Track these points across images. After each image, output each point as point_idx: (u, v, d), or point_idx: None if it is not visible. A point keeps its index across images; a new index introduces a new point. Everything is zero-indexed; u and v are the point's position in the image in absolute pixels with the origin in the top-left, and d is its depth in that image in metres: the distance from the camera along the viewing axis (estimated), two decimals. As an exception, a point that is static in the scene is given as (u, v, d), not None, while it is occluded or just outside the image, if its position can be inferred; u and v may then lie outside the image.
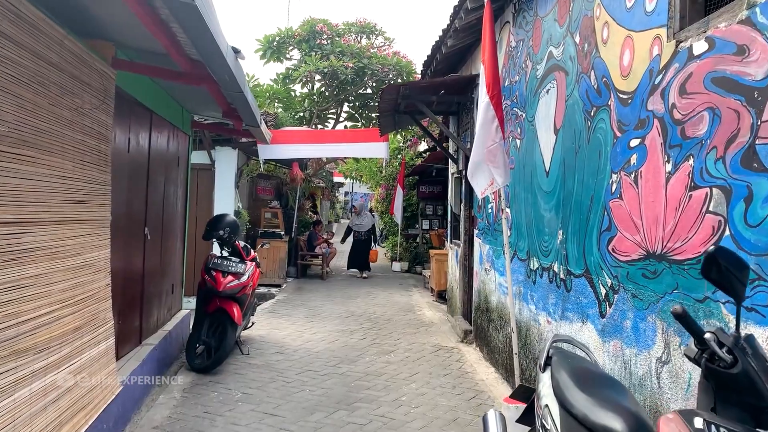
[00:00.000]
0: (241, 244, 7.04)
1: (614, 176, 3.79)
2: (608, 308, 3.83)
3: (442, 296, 11.75)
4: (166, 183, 7.01)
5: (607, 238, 3.86)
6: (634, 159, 3.53)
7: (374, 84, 15.25)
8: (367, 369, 6.63)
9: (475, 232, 7.97)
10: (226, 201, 10.95)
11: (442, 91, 8.01)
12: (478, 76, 7.88)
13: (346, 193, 50.96)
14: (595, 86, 4.14)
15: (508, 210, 6.10)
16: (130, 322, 5.76)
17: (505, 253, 5.09)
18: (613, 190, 3.79)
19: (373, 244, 16.28)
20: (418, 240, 17.56)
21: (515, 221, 6.05)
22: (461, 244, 9.06)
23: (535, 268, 5.41)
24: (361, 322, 9.34)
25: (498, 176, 4.93)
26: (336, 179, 35.80)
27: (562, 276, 4.69)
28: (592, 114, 4.18)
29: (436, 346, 7.82)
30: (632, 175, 3.54)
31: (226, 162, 10.93)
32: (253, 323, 7.98)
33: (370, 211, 40.11)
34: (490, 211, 7.11)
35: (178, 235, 7.75)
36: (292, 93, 16.65)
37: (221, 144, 10.89)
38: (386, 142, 10.43)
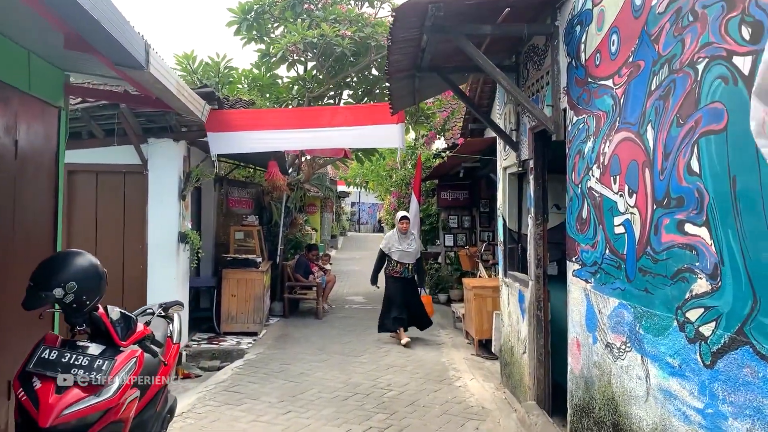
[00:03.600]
0: (114, 313, 3.43)
1: None
2: None
3: (485, 346, 8.19)
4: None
5: None
6: None
7: (380, 61, 11.71)
8: None
9: (572, 267, 4.37)
10: (166, 218, 7.43)
11: (507, 9, 4.45)
12: (571, -20, 4.32)
13: (353, 204, 47.54)
14: None
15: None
16: None
17: None
18: None
19: (420, 285, 9.67)
20: (440, 260, 13.96)
21: (730, 261, 2.48)
22: (531, 282, 5.47)
23: None
24: (369, 411, 5.74)
25: None
26: (340, 188, 32.33)
27: None
28: None
29: (507, 479, 4.23)
30: None
31: (164, 161, 7.41)
32: (166, 446, 4.39)
33: (379, 222, 36.40)
34: (620, 231, 3.52)
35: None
36: (279, 80, 13.16)
37: (156, 134, 7.38)
38: (401, 123, 6.88)
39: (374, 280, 9.58)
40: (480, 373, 7.18)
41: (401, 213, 9.59)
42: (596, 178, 3.88)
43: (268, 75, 12.92)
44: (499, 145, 6.72)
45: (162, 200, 7.41)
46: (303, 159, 13.37)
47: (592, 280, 3.96)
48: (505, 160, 6.48)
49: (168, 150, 7.42)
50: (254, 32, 12.53)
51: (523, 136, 5.70)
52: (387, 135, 6.88)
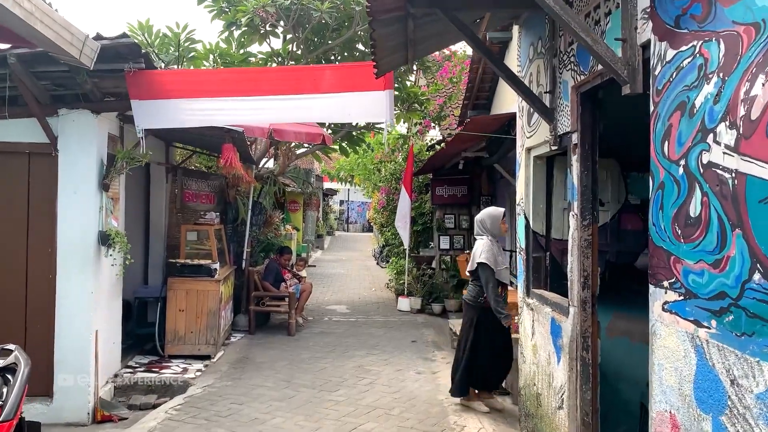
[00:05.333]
0: None
1: None
2: None
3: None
4: None
5: None
6: None
7: (366, 32, 10.03)
8: None
9: (663, 298, 2.68)
10: (82, 213, 5.70)
11: None
12: None
13: (342, 202, 45.82)
14: None
15: None
16: None
17: None
18: None
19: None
20: (434, 265, 12.27)
21: None
22: (572, 310, 3.80)
23: None
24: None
25: None
26: (327, 185, 30.60)
27: None
28: None
29: None
30: None
31: (81, 139, 5.68)
32: None
33: (369, 222, 34.61)
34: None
35: None
36: (252, 58, 11.41)
37: (70, 104, 5.64)
38: (389, 90, 5.18)
39: (502, 311, 5.43)
40: (489, 418, 5.50)
41: (499, 209, 5.88)
42: (726, 146, 2.21)
43: (241, 52, 11.17)
44: (520, 119, 5.04)
45: (77, 190, 5.67)
46: (280, 148, 11.65)
47: (714, 323, 2.29)
48: (529, 138, 4.79)
49: (85, 125, 5.68)
50: (222, 2, 10.78)
51: (562, 101, 4.02)
52: (370, 106, 5.17)
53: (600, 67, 3.33)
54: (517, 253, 5.13)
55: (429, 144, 13.47)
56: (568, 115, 3.87)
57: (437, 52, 12.23)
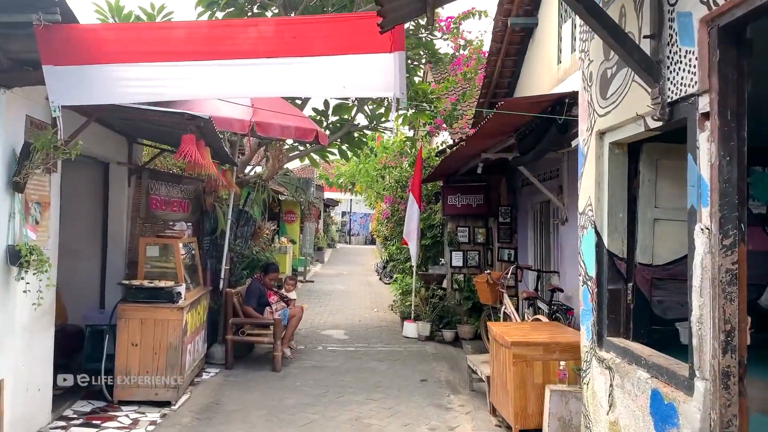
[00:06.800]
0: None
1: None
2: None
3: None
4: None
5: None
6: None
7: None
8: None
9: None
10: (-16, 223, 4.24)
11: None
12: None
13: (344, 213, 44.33)
14: None
15: None
16: None
17: None
18: None
19: None
20: (445, 285, 10.77)
21: None
22: (702, 385, 2.28)
23: None
24: None
25: None
26: (328, 195, 29.15)
27: None
28: None
29: None
30: None
31: (-17, 123, 4.23)
32: None
33: (371, 234, 33.18)
34: None
35: None
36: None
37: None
38: (398, 52, 3.72)
39: None
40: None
41: None
42: None
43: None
44: (586, 92, 3.55)
45: (-23, 191, 4.23)
46: (270, 149, 10.19)
47: None
48: (603, 117, 3.30)
49: (-9, 104, 4.24)
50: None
51: (677, 46, 2.55)
52: (372, 74, 3.72)
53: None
54: (582, 283, 3.64)
55: (438, 149, 12.02)
56: (692, 69, 2.40)
57: (450, 42, 10.84)
